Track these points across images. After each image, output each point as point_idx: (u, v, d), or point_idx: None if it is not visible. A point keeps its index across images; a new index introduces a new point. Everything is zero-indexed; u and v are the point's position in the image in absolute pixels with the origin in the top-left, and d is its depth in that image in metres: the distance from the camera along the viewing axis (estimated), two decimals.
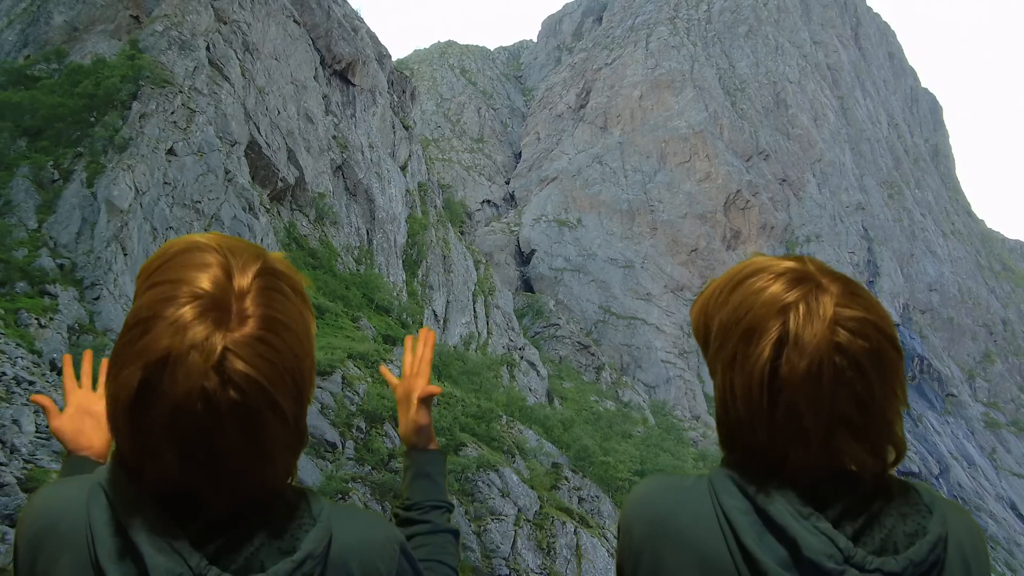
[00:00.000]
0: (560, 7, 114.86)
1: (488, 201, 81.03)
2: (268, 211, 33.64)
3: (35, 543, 1.14)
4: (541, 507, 22.97)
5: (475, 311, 48.14)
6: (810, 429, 1.14)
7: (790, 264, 1.23)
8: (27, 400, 15.06)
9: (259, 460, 1.07)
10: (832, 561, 1.08)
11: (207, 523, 1.08)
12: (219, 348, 1.02)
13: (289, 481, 1.16)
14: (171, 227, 25.82)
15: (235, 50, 35.90)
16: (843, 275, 1.24)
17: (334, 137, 43.03)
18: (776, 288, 1.19)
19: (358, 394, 24.37)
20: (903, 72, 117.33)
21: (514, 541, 21.11)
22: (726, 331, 1.21)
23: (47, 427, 14.79)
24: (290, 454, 1.13)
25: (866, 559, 1.09)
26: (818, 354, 1.13)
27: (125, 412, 1.05)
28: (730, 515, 1.14)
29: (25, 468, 13.13)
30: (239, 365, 1.02)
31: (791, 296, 1.17)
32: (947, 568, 1.14)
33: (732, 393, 1.19)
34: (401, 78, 57.93)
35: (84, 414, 1.58)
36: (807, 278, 1.20)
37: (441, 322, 44.66)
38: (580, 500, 26.47)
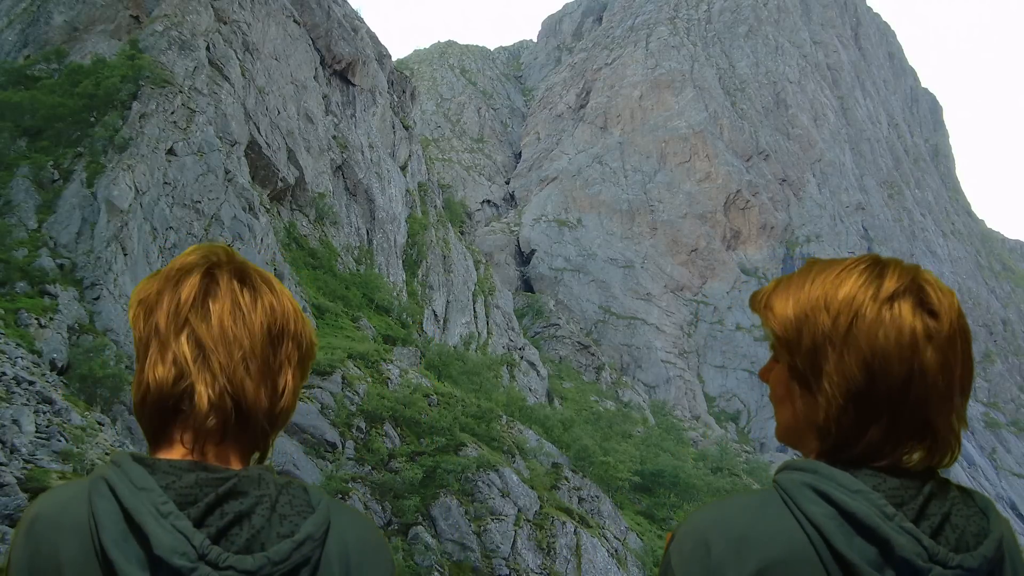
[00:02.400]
0: (560, 7, 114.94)
1: (488, 201, 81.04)
2: (268, 211, 33.63)
3: (35, 538, 1.16)
4: (541, 507, 22.97)
5: (475, 311, 48.13)
6: (955, 382, 1.21)
7: (849, 259, 1.30)
8: (27, 400, 15.06)
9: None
10: (920, 559, 1.14)
11: (207, 505, 1.14)
12: None
13: (266, 457, 1.27)
14: (171, 227, 25.81)
15: (235, 50, 35.90)
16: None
17: (334, 137, 43.03)
18: (863, 269, 1.26)
19: (358, 394, 24.37)
20: (903, 72, 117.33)
21: (514, 541, 21.11)
22: (840, 307, 1.22)
23: (47, 427, 14.84)
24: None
25: (948, 556, 1.15)
26: (955, 319, 1.22)
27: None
28: (816, 521, 1.17)
29: (25, 468, 13.13)
30: None
31: (896, 270, 1.25)
32: (1005, 564, 1.22)
33: (865, 362, 1.20)
34: (401, 78, 57.93)
35: None
36: (883, 262, 1.28)
37: (441, 322, 44.66)
38: (580, 500, 26.46)
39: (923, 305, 1.22)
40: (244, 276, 1.29)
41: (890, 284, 1.23)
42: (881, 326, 1.20)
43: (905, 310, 1.20)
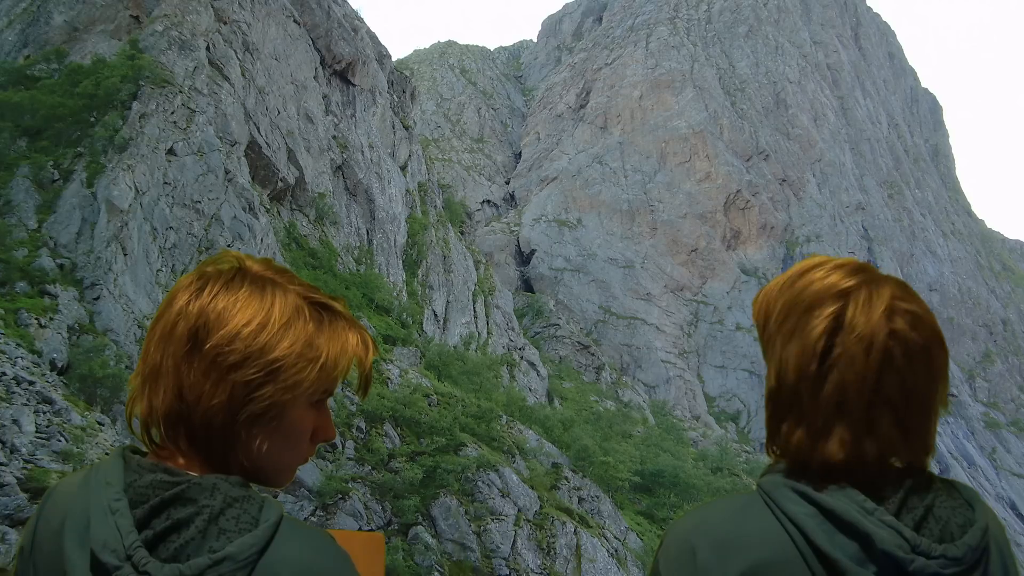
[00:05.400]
0: (560, 7, 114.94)
1: (488, 201, 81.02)
2: (268, 211, 33.63)
3: (46, 510, 1.24)
4: (541, 507, 22.97)
5: (475, 311, 48.13)
6: (854, 405, 1.22)
7: (847, 260, 1.34)
8: (27, 400, 15.06)
9: None
10: (902, 551, 1.16)
11: (151, 508, 1.14)
12: None
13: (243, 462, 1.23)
14: (171, 227, 25.81)
15: (235, 50, 35.90)
16: (894, 276, 1.34)
17: (334, 137, 43.02)
18: (836, 276, 1.30)
19: None
20: (903, 72, 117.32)
21: (514, 541, 21.11)
22: (790, 308, 1.30)
23: (47, 427, 14.85)
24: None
25: (931, 547, 1.17)
26: (873, 336, 1.23)
27: None
28: (797, 520, 1.19)
29: (25, 468, 13.13)
30: None
31: (851, 282, 1.28)
32: (992, 554, 1.23)
33: (786, 364, 1.27)
34: (401, 78, 57.92)
35: None
36: (866, 270, 1.31)
37: (441, 322, 44.66)
38: (580, 500, 26.47)
39: (834, 317, 1.28)
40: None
41: (813, 290, 1.32)
42: (792, 336, 1.29)
43: (818, 322, 1.27)
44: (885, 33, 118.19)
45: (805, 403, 1.25)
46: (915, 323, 1.26)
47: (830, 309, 1.26)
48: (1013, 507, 63.88)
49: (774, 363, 1.30)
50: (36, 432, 14.34)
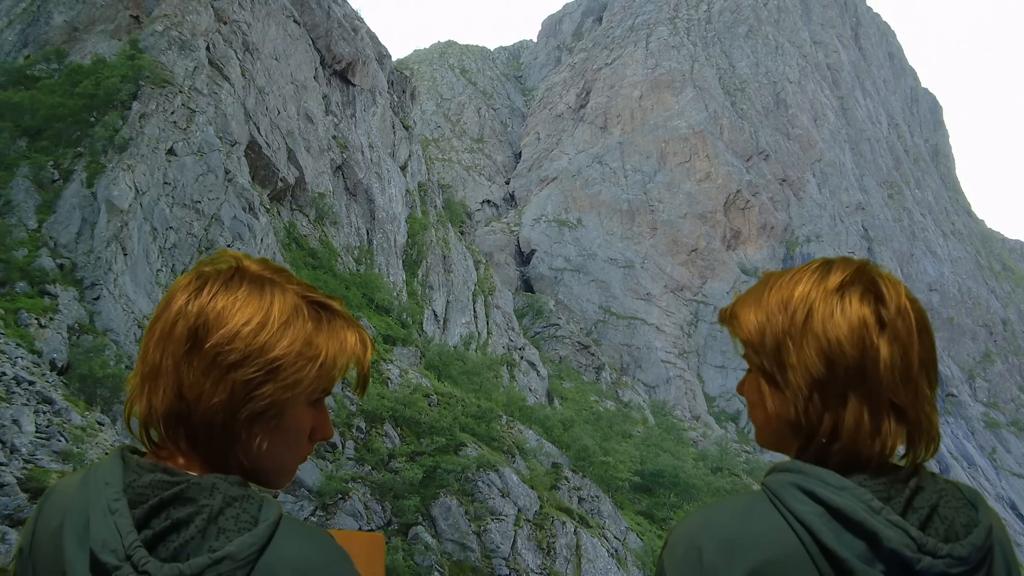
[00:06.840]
0: (560, 7, 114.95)
1: (488, 201, 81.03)
2: (268, 211, 33.63)
3: (45, 510, 1.24)
4: (541, 507, 22.97)
5: (475, 311, 48.13)
6: (913, 365, 1.25)
7: (806, 265, 1.36)
8: (27, 400, 15.05)
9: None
10: (909, 550, 1.16)
11: (151, 507, 1.14)
12: None
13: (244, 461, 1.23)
14: (171, 227, 25.81)
15: (235, 50, 35.90)
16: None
17: (334, 137, 43.02)
18: (814, 269, 1.33)
19: None
20: (903, 72, 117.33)
21: (514, 541, 21.11)
22: (796, 304, 1.29)
23: (47, 427, 14.83)
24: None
25: (937, 546, 1.17)
26: (903, 305, 1.27)
27: None
28: (804, 519, 1.19)
29: (25, 468, 13.13)
30: None
31: (841, 265, 1.31)
32: (996, 553, 1.24)
33: (823, 351, 1.25)
34: (401, 78, 57.92)
35: None
36: (831, 260, 1.34)
37: (441, 322, 44.66)
38: (580, 500, 26.47)
39: (872, 294, 1.28)
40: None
41: (836, 277, 1.30)
42: (832, 316, 1.27)
43: (853, 299, 1.27)
44: (885, 33, 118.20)
45: (862, 379, 1.23)
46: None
47: (858, 287, 1.28)
48: (1013, 507, 63.89)
49: (813, 352, 1.26)
50: (36, 432, 14.34)
